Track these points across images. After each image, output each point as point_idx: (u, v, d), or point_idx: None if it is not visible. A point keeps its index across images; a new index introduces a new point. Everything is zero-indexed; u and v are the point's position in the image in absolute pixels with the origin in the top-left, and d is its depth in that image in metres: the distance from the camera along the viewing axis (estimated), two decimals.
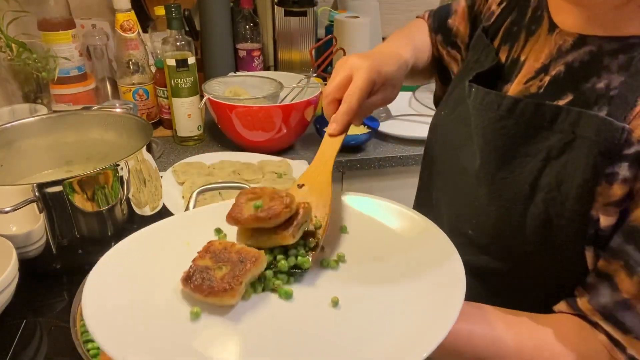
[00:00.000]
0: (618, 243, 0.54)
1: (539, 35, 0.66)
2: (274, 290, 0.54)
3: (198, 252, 0.54)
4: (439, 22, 0.89)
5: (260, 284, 0.54)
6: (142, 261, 0.56)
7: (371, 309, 0.51)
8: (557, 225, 0.57)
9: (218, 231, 0.62)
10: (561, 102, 0.59)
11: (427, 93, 1.64)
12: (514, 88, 0.66)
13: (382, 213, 0.64)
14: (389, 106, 1.54)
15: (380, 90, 0.69)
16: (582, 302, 0.57)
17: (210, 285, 0.50)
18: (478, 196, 0.66)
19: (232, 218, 0.57)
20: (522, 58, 0.67)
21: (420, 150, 1.36)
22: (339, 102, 0.66)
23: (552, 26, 0.64)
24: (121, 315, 0.48)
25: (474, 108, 0.66)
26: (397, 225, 0.62)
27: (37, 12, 1.30)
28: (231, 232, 0.60)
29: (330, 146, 0.67)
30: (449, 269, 0.53)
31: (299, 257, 0.56)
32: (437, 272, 0.53)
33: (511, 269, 0.64)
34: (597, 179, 0.53)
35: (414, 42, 0.85)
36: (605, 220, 0.54)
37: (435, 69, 0.93)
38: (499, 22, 0.74)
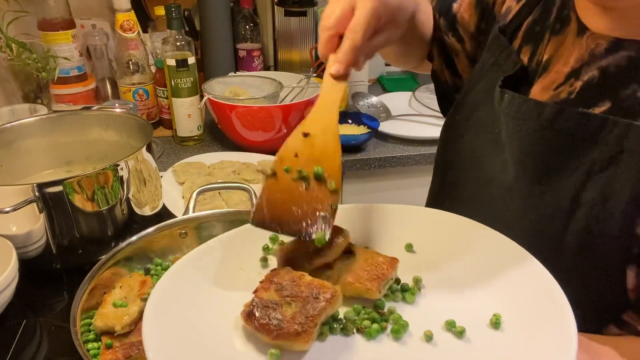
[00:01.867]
0: None
1: (566, 37, 0.62)
2: (359, 330, 0.47)
3: (260, 282, 0.48)
4: (442, 5, 0.81)
5: (337, 324, 0.47)
6: (196, 294, 0.50)
7: (472, 344, 0.45)
8: (599, 243, 0.54)
9: (267, 249, 0.58)
10: (597, 110, 0.56)
11: (427, 93, 1.63)
12: (541, 93, 0.62)
13: (446, 226, 0.58)
14: (389, 106, 1.55)
15: (384, 29, 0.61)
16: None
17: (279, 326, 0.42)
18: (508, 210, 0.62)
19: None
20: (546, 59, 0.63)
21: (420, 150, 1.36)
22: (339, 38, 0.57)
23: (582, 28, 0.60)
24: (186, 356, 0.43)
25: (508, 116, 0.62)
26: (470, 242, 0.56)
27: (37, 12, 1.30)
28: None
29: (333, 91, 0.57)
30: (547, 298, 0.46)
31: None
32: (535, 300, 0.47)
33: None
34: None
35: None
36: None
37: (434, 50, 0.85)
38: (518, 21, 0.69)
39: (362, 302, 0.50)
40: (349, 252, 0.54)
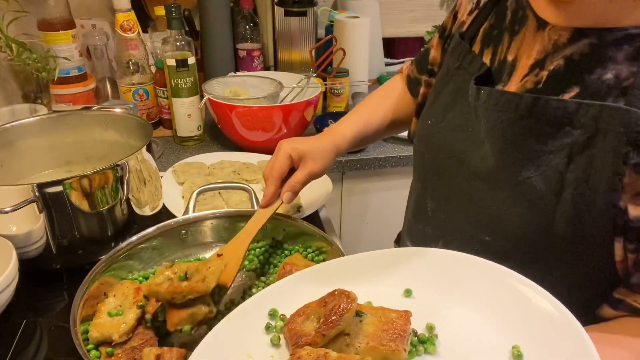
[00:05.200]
0: None
1: (524, 35, 0.66)
2: None
3: None
4: (421, 64, 0.91)
5: None
6: None
7: None
8: (587, 219, 0.57)
9: (268, 328, 0.56)
10: (567, 95, 0.59)
11: None
12: (509, 87, 0.66)
13: (435, 264, 0.59)
14: None
15: (301, 165, 0.81)
16: None
17: None
18: (496, 200, 0.65)
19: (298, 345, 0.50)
20: (510, 59, 0.67)
21: None
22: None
23: (542, 24, 0.63)
24: None
25: (487, 110, 0.65)
26: (463, 276, 0.56)
27: (37, 12, 1.30)
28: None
29: (257, 219, 0.76)
30: (557, 317, 0.47)
31: None
32: (545, 322, 0.48)
33: (534, 274, 0.61)
34: (625, 169, 0.54)
35: (364, 116, 0.94)
36: (635, 211, 0.54)
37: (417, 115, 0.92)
38: (474, 28, 0.74)
39: None
40: (358, 313, 0.54)
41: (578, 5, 0.58)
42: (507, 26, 0.69)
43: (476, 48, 0.73)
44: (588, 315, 0.61)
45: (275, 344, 0.54)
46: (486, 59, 0.70)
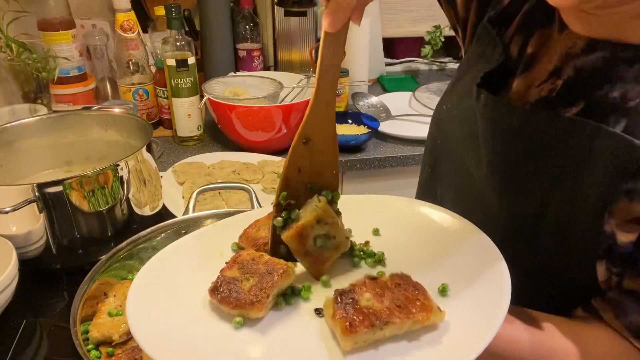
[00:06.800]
0: None
1: (551, 32, 0.62)
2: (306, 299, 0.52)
3: (226, 263, 0.54)
4: None
5: (293, 296, 0.52)
6: (178, 273, 0.56)
7: None
8: (569, 240, 0.56)
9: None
10: (574, 109, 0.56)
11: (427, 93, 1.63)
12: (524, 89, 0.63)
13: (407, 211, 0.64)
14: (389, 106, 1.55)
15: None
16: (609, 318, 0.55)
17: (237, 298, 0.49)
18: (486, 203, 0.64)
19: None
20: (530, 53, 0.63)
21: (420, 150, 1.36)
22: None
23: (562, 25, 0.60)
24: (164, 328, 0.48)
25: (483, 116, 0.63)
26: (425, 223, 0.61)
27: (37, 12, 1.30)
28: None
29: (326, 76, 0.57)
30: (490, 268, 0.52)
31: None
32: (480, 270, 0.52)
33: (518, 277, 0.59)
34: (614, 195, 0.52)
35: None
36: (625, 237, 0.52)
37: None
38: (512, 10, 0.68)
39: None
40: None
41: (599, 14, 0.55)
42: (543, 15, 0.64)
43: (510, 32, 0.67)
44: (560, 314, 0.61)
45: (241, 247, 0.61)
46: (515, 48, 0.65)
